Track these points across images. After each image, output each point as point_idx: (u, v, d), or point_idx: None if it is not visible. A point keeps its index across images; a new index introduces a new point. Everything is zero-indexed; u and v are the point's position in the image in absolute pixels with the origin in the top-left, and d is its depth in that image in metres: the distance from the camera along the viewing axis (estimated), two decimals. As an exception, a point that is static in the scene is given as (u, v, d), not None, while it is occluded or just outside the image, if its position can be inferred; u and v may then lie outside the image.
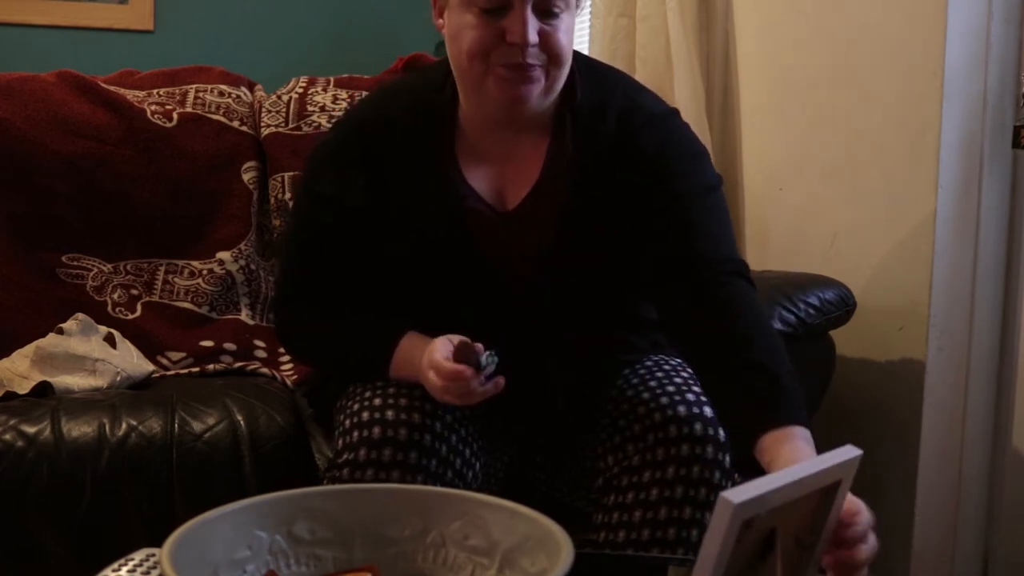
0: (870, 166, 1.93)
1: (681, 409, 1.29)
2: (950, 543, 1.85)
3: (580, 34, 2.94)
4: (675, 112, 1.44)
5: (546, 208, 1.37)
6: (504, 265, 1.38)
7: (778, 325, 1.71)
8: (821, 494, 0.87)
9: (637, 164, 1.35)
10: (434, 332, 1.31)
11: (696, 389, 1.33)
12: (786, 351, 1.21)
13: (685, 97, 2.24)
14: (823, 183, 2.06)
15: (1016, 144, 1.74)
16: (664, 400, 1.31)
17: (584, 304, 1.42)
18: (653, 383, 1.35)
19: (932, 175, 1.77)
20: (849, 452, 0.88)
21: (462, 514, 0.97)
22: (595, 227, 1.37)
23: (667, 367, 1.39)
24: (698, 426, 1.28)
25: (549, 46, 1.28)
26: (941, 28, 1.73)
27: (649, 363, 1.41)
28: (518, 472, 1.49)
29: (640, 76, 2.30)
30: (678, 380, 1.35)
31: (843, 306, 1.78)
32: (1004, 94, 1.75)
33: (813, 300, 1.75)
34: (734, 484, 1.29)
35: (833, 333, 1.83)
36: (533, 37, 1.26)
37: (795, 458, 1.04)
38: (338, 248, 1.40)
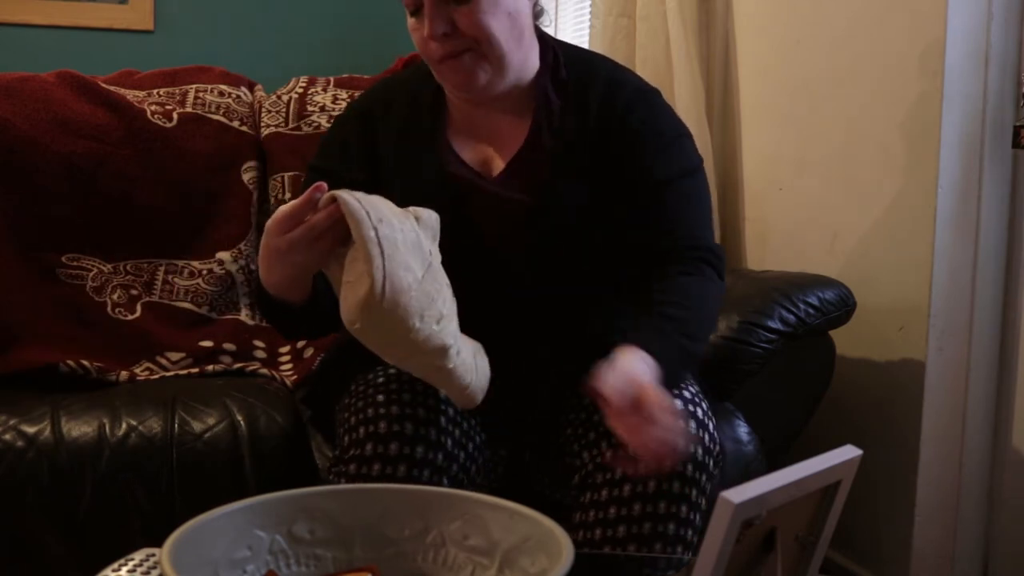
0: (870, 166, 1.93)
1: None
2: (950, 543, 1.85)
3: (580, 34, 2.94)
4: (658, 91, 1.49)
5: (528, 174, 1.42)
6: (491, 231, 1.41)
7: (778, 325, 1.71)
8: (821, 494, 0.87)
9: (621, 139, 1.41)
10: None
11: None
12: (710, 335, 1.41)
13: (685, 97, 2.24)
14: (823, 183, 2.06)
15: (1016, 144, 1.74)
16: None
17: (568, 276, 1.42)
18: None
19: (932, 175, 1.77)
20: (849, 452, 0.88)
21: (462, 514, 0.97)
22: (575, 195, 1.41)
23: None
24: None
25: (466, 29, 1.33)
26: (941, 28, 1.73)
27: None
28: (512, 471, 1.49)
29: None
30: None
31: (843, 306, 1.78)
32: (1004, 94, 1.75)
33: (813, 300, 1.75)
34: (709, 477, 1.31)
35: (833, 333, 1.83)
36: (439, 29, 1.32)
37: (625, 361, 1.19)
38: None
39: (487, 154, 1.46)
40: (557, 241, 1.41)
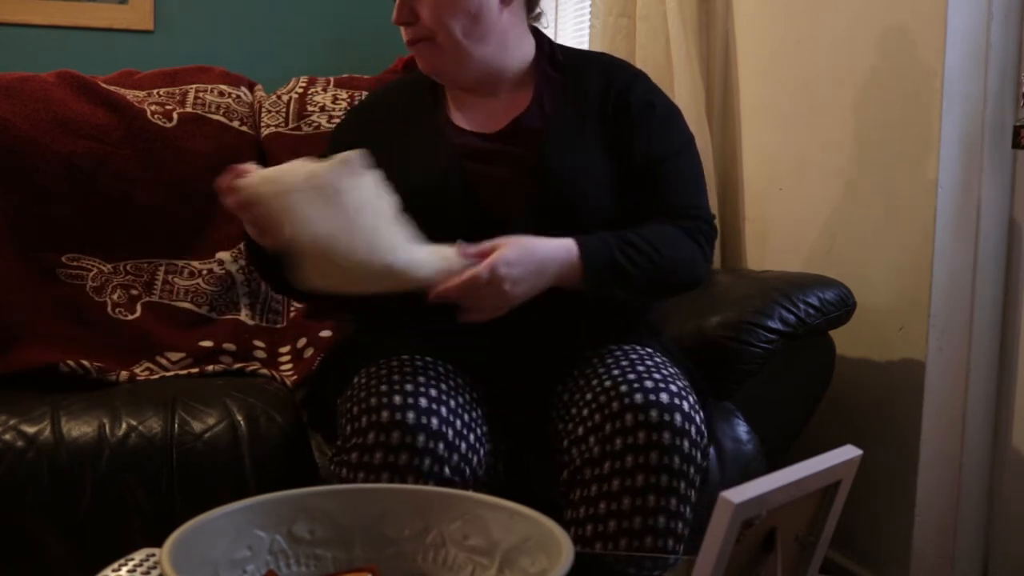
0: (870, 166, 1.93)
1: (638, 397, 1.30)
2: (950, 543, 1.85)
3: (580, 34, 2.94)
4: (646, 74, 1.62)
5: (528, 134, 1.50)
6: (496, 193, 1.46)
7: (778, 325, 1.71)
8: (821, 494, 0.88)
9: (620, 115, 1.51)
10: None
11: (658, 375, 1.34)
12: (669, 252, 1.43)
13: (685, 97, 2.24)
14: (823, 183, 2.06)
15: (1016, 144, 1.74)
16: (623, 388, 1.32)
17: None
18: (616, 371, 1.36)
19: (932, 175, 1.77)
20: (849, 452, 0.88)
21: (462, 514, 0.97)
22: (575, 155, 1.49)
23: (634, 355, 1.40)
24: (654, 413, 1.29)
25: (425, 19, 1.46)
26: (941, 28, 1.73)
27: (617, 352, 1.42)
28: (512, 471, 1.50)
29: (640, 76, 2.30)
30: (641, 368, 1.36)
31: (843, 306, 1.78)
32: (1004, 94, 1.75)
33: (813, 300, 1.75)
34: (696, 469, 1.31)
35: (833, 333, 1.83)
36: (401, 17, 1.47)
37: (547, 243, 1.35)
38: None
39: (488, 122, 1.53)
40: (559, 200, 1.46)
